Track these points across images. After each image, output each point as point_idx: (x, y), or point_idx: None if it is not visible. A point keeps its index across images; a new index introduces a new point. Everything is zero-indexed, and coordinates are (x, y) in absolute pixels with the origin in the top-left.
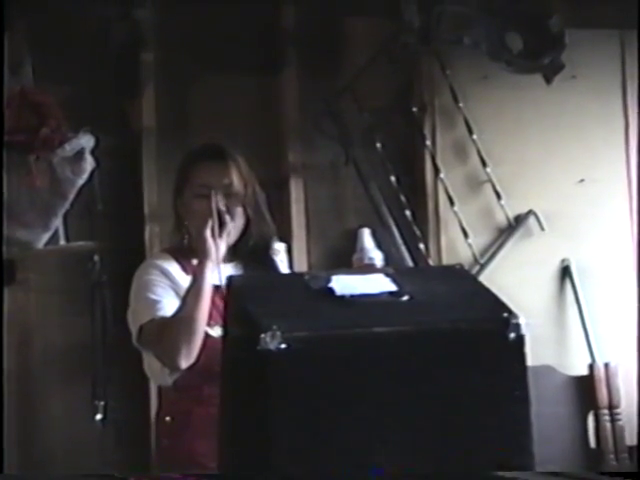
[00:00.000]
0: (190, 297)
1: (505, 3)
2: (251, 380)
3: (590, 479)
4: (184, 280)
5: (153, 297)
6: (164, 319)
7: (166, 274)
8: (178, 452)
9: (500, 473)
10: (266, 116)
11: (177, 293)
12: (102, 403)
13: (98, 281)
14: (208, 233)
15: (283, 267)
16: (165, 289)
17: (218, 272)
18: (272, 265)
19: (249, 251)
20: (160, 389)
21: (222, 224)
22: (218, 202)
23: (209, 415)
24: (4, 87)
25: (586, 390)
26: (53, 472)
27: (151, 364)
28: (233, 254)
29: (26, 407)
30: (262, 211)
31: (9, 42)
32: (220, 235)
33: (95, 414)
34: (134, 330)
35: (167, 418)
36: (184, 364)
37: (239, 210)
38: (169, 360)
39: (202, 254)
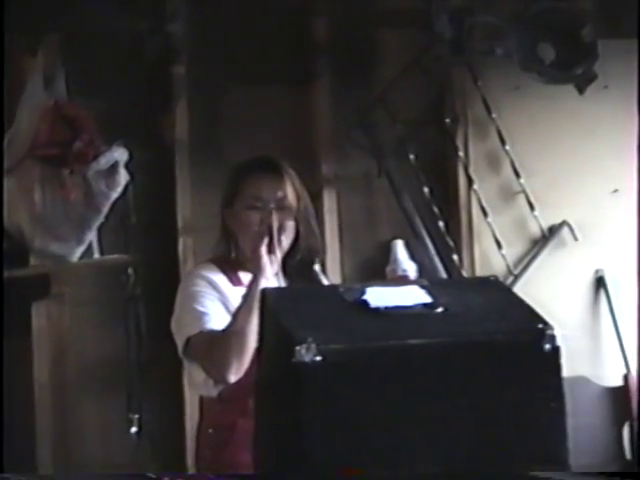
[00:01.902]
0: (242, 312)
1: (537, 14)
2: (286, 392)
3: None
4: (231, 291)
5: (201, 309)
6: (213, 332)
7: (213, 285)
8: (220, 464)
9: (534, 473)
10: (299, 128)
11: (225, 305)
12: (137, 416)
13: (132, 294)
14: (264, 249)
15: (326, 282)
16: (212, 301)
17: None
18: (317, 281)
19: (295, 265)
20: (202, 401)
21: (278, 239)
22: (275, 218)
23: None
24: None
25: (621, 401)
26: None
27: (194, 375)
28: (279, 267)
29: (61, 420)
30: (312, 226)
31: (43, 56)
32: (274, 251)
33: (130, 427)
34: (180, 342)
35: (210, 430)
36: (234, 378)
37: (291, 224)
38: (219, 374)
39: (257, 270)
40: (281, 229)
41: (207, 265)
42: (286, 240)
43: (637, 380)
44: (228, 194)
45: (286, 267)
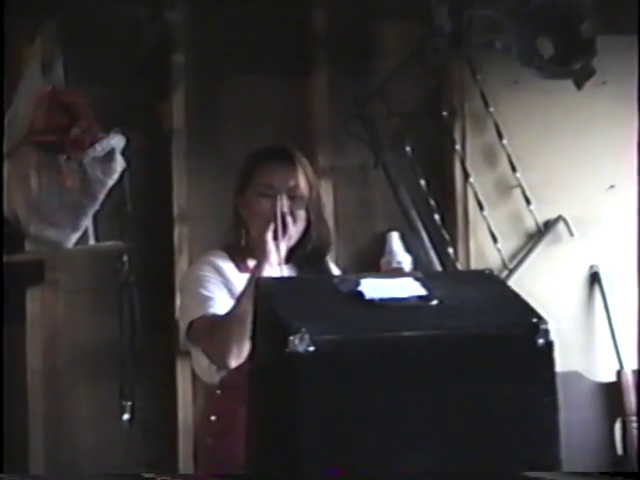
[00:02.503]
0: (245, 298)
1: (536, 8)
2: (279, 383)
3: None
4: (237, 279)
5: (205, 293)
6: (216, 316)
7: (219, 271)
8: (222, 451)
9: (526, 473)
10: (296, 118)
11: (230, 291)
12: (129, 403)
13: (127, 281)
14: (270, 235)
15: (337, 273)
16: (218, 286)
17: (280, 273)
18: (327, 271)
19: (306, 255)
20: (206, 388)
21: (284, 227)
22: (283, 205)
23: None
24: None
25: (614, 397)
26: (80, 472)
27: (199, 361)
28: (290, 257)
29: (53, 407)
30: (324, 216)
31: (41, 43)
32: (282, 238)
33: (122, 414)
34: (184, 325)
35: (212, 417)
36: (234, 363)
37: (302, 213)
38: (219, 358)
39: (262, 256)
40: (291, 217)
41: (216, 252)
42: (295, 229)
43: (637, 377)
44: (240, 182)
45: (297, 257)
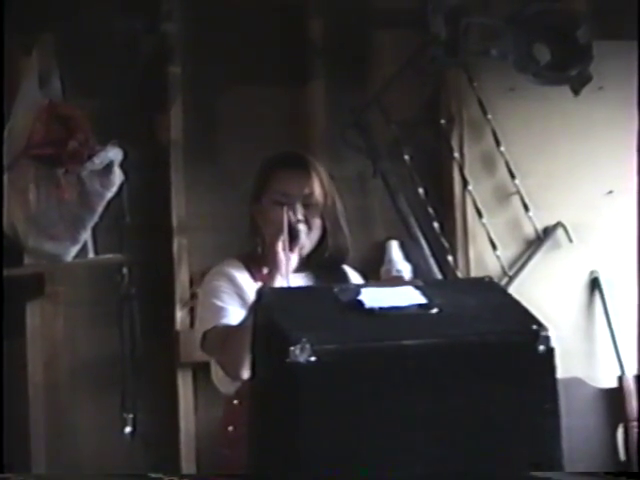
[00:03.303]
0: None
1: (533, 15)
2: (280, 393)
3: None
4: (251, 288)
5: (218, 303)
6: (229, 327)
7: (233, 280)
8: (239, 461)
9: (530, 473)
10: (294, 128)
11: (244, 300)
12: (131, 416)
13: (127, 294)
14: (280, 245)
15: (357, 281)
16: (231, 295)
17: (287, 283)
18: (344, 279)
19: (323, 263)
20: (223, 398)
21: (296, 236)
22: (292, 214)
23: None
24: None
25: (615, 403)
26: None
27: (216, 371)
28: (306, 265)
29: (55, 420)
30: (340, 224)
31: (38, 55)
32: (292, 248)
33: (124, 427)
34: (198, 336)
35: (230, 428)
36: (247, 374)
37: (317, 221)
38: (232, 369)
39: (273, 266)
40: (306, 225)
41: (231, 261)
42: (307, 237)
43: (638, 382)
44: (256, 189)
45: (314, 265)
